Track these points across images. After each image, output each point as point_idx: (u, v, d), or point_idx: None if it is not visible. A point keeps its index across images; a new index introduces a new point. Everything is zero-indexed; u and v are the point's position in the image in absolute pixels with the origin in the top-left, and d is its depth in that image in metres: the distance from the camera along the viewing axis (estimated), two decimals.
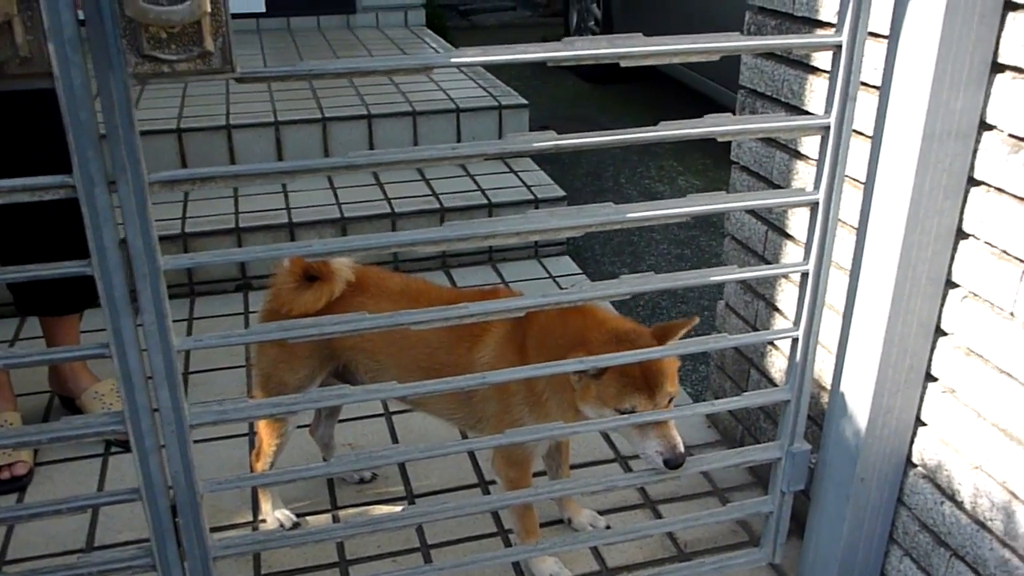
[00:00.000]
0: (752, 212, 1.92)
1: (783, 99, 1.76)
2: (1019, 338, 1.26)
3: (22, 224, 1.93)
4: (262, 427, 1.78)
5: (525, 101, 3.57)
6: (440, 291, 1.73)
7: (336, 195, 3.09)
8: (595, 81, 6.23)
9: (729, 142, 1.70)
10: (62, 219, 1.98)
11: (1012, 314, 1.28)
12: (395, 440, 2.16)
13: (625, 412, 1.42)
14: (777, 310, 1.89)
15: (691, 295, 3.24)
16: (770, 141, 1.83)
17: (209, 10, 0.95)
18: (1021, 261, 1.25)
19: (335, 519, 1.89)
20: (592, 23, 6.26)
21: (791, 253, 1.81)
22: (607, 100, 5.91)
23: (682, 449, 1.44)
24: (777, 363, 1.91)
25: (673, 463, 1.42)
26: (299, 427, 1.92)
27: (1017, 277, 1.26)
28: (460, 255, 3.04)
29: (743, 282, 2.00)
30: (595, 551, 1.79)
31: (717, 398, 2.16)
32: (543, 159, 3.59)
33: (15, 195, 1.07)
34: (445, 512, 1.39)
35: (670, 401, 1.46)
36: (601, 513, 1.88)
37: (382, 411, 2.25)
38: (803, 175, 1.74)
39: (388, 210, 2.99)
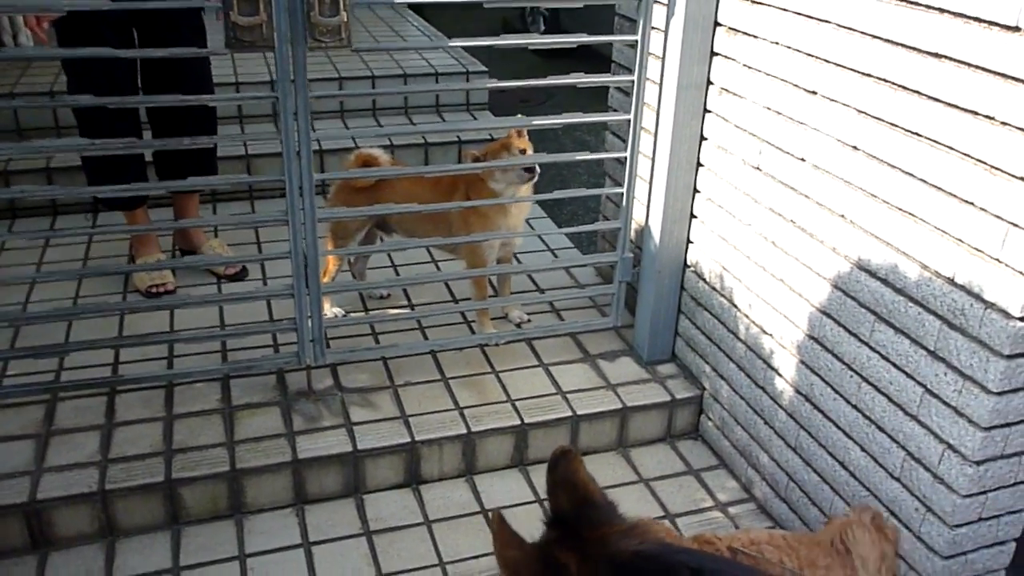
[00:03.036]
0: (616, 133, 3.21)
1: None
2: (725, 191, 2.57)
3: (181, 120, 3.11)
4: (330, 258, 3.04)
5: (486, 68, 4.83)
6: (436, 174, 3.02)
7: (350, 134, 4.34)
8: (547, 57, 7.49)
9: None
10: (208, 119, 3.21)
11: (722, 177, 2.58)
12: (396, 270, 3.44)
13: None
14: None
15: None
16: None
17: (346, 19, 2.22)
18: (726, 150, 2.56)
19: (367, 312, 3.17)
20: (543, 12, 7.51)
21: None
22: (554, 71, 7.17)
23: (532, 163, 2.71)
24: None
25: (531, 172, 2.71)
26: (344, 271, 3.18)
27: (726, 162, 2.56)
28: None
29: (612, 179, 3.29)
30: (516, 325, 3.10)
31: (600, 249, 3.47)
32: (500, 111, 4.85)
33: (235, 101, 2.33)
34: (432, 277, 2.68)
35: (523, 151, 2.74)
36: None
37: (390, 263, 3.53)
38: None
39: (388, 143, 4.25)
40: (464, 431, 2.60)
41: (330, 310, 3.10)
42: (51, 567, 2.29)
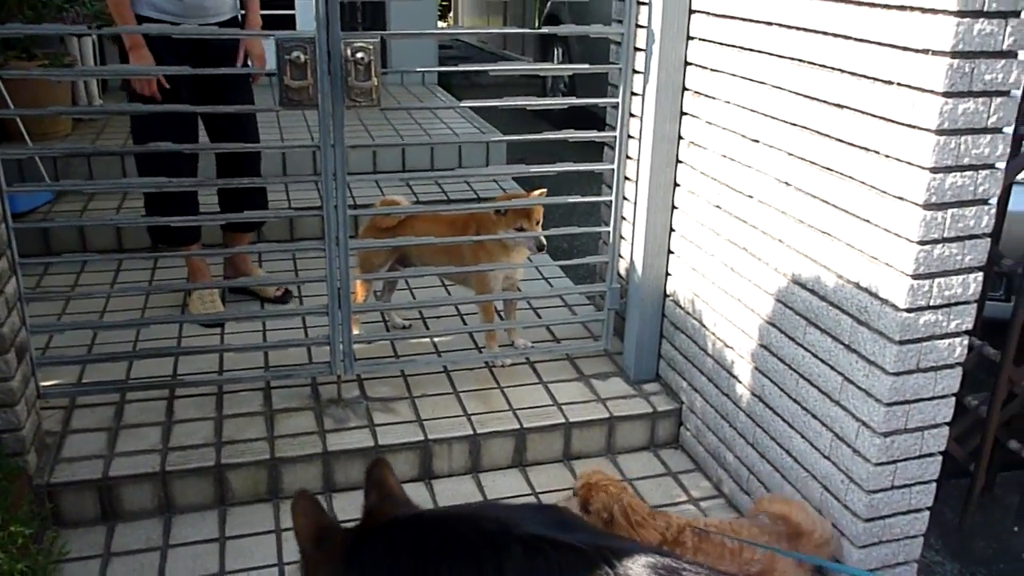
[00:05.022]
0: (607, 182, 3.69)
1: None
2: (695, 229, 3.02)
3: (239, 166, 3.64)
4: (358, 286, 3.51)
5: (501, 133, 5.37)
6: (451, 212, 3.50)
7: (380, 189, 4.85)
8: (561, 126, 8.06)
9: None
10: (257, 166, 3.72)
11: (692, 216, 3.04)
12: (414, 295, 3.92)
13: (519, 229, 3.18)
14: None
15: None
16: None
17: (376, 84, 2.73)
18: (694, 193, 3.01)
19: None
20: (561, 84, 8.14)
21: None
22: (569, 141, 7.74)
23: (544, 242, 3.18)
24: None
25: (538, 246, 3.17)
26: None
27: (695, 203, 3.02)
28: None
29: (605, 221, 3.75)
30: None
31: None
32: (520, 180, 5.37)
33: (283, 149, 2.84)
34: (446, 301, 3.14)
35: (538, 223, 3.18)
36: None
37: (412, 299, 3.99)
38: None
39: (415, 199, 4.76)
40: (471, 432, 3.02)
41: (356, 332, 3.56)
42: (118, 535, 2.72)
